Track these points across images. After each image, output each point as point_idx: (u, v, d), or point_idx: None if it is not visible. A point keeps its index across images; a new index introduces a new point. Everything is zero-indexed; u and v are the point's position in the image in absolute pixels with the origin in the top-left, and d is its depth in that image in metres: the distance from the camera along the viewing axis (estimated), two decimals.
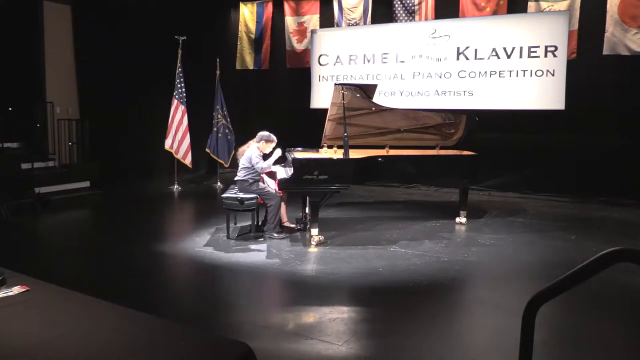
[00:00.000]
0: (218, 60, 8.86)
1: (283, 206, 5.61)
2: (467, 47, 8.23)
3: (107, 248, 5.13)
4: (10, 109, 7.78)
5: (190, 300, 3.89)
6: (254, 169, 5.34)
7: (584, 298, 3.52)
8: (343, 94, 5.37)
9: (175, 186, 8.56)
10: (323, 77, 9.40)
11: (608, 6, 7.26)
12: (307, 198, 5.60)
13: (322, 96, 9.11)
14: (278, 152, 5.60)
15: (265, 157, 5.49)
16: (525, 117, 7.76)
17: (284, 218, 5.71)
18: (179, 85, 8.47)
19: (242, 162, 5.45)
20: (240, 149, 5.73)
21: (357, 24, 9.16)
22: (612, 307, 3.64)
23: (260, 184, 5.40)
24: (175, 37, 8.48)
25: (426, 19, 8.55)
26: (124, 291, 3.85)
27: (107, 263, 4.66)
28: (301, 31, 9.68)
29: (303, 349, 2.96)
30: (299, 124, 9.07)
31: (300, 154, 5.87)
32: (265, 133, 5.50)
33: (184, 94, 8.51)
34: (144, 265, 4.57)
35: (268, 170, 5.46)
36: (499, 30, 8.01)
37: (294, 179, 5.10)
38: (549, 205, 7.36)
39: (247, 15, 10.20)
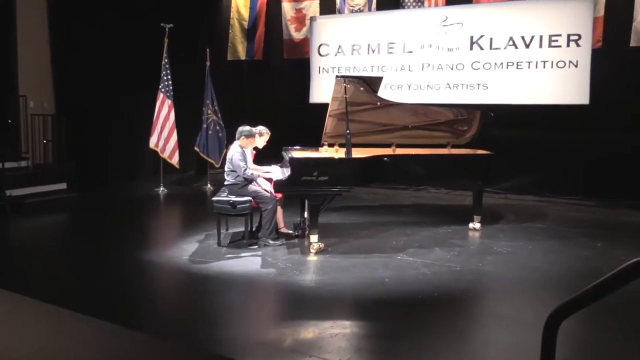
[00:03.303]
0: (208, 50, 8.86)
1: (279, 210, 5.60)
2: (482, 36, 8.23)
3: (86, 257, 5.12)
4: None
5: (177, 314, 3.88)
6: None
7: (610, 312, 3.52)
8: (345, 87, 5.37)
9: (161, 188, 8.56)
10: (323, 68, 9.40)
11: None
12: (306, 201, 5.60)
13: (322, 90, 9.11)
14: (274, 169, 5.60)
15: (257, 155, 5.49)
16: (546, 112, 7.76)
17: (281, 223, 5.70)
18: (165, 78, 8.47)
19: (227, 164, 5.45)
20: (229, 148, 5.74)
21: (360, 11, 9.17)
22: None
23: (253, 186, 5.39)
24: (161, 24, 8.48)
25: (436, 5, 8.56)
26: (104, 304, 3.83)
27: (86, 273, 4.65)
28: (299, 18, 9.68)
29: None
30: (296, 120, 9.06)
31: (298, 153, 5.87)
32: (245, 128, 5.49)
33: (171, 87, 8.50)
34: (126, 276, 4.57)
35: (256, 178, 5.40)
36: (517, 17, 8.02)
37: (292, 180, 5.09)
38: (572, 210, 7.36)
39: (239, 0, 10.21)
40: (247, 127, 5.53)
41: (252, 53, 10.16)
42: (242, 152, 5.37)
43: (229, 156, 5.43)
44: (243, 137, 5.45)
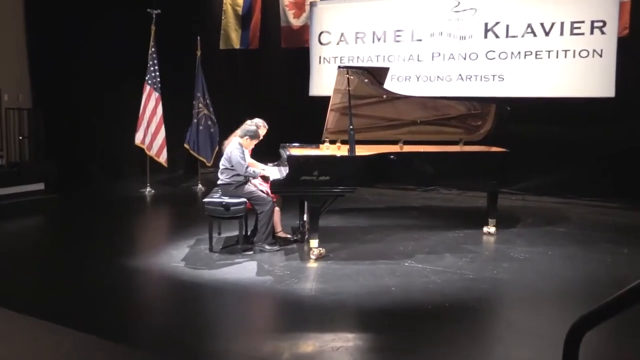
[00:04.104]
0: (199, 38, 8.86)
1: (277, 213, 5.61)
2: (497, 23, 8.23)
3: (66, 263, 5.13)
4: None
5: (165, 326, 3.88)
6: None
7: (637, 323, 3.51)
8: (348, 78, 5.38)
9: (148, 189, 8.57)
10: (324, 58, 9.40)
11: None
12: (306, 203, 5.60)
13: (323, 81, 9.12)
14: (270, 170, 5.61)
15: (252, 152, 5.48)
16: (567, 106, 7.75)
17: (278, 227, 5.71)
18: (152, 69, 8.48)
19: (222, 161, 5.46)
20: (226, 144, 5.74)
21: None
22: None
23: (248, 186, 5.40)
24: (148, 10, 8.49)
25: None
26: (86, 315, 3.84)
27: (66, 281, 4.65)
28: (298, 4, 9.68)
29: None
30: (295, 115, 9.07)
31: (297, 151, 5.87)
32: (251, 127, 5.49)
33: (158, 79, 8.51)
34: (110, 284, 4.57)
35: (257, 176, 5.46)
36: (536, 2, 8.02)
37: (290, 180, 5.10)
38: (596, 212, 7.36)
39: None
40: (254, 127, 5.51)
41: (247, 42, 10.16)
42: (242, 149, 5.37)
43: (226, 152, 5.41)
44: (248, 137, 5.43)
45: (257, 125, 5.62)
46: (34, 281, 4.81)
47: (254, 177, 5.44)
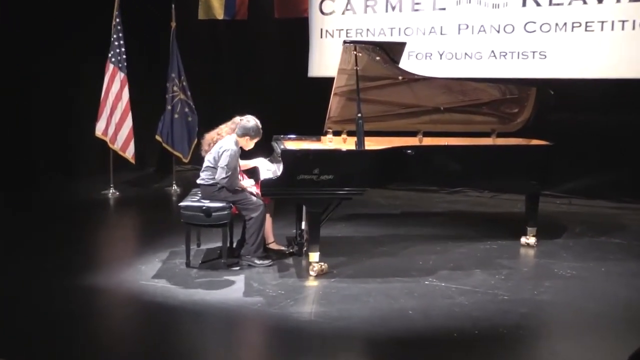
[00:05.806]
0: (173, 6, 8.86)
1: (268, 220, 5.62)
2: None
3: (10, 282, 5.11)
4: None
5: (135, 356, 3.89)
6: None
7: None
8: (356, 56, 5.39)
9: (111, 190, 8.58)
10: (327, 31, 9.40)
11: None
12: (304, 208, 5.62)
13: (325, 59, 9.13)
14: (261, 162, 5.60)
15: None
16: (625, 89, 7.74)
17: (270, 237, 5.73)
18: (116, 44, 8.47)
19: (209, 158, 5.45)
20: (207, 137, 5.70)
21: None
22: None
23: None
24: None
25: None
26: (38, 345, 3.85)
27: (12, 304, 4.64)
28: None
29: None
30: (291, 100, 9.07)
31: (293, 144, 5.89)
32: (250, 124, 5.40)
33: (124, 56, 8.50)
34: (66, 307, 4.57)
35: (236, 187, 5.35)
36: None
37: (285, 179, 5.10)
38: None
39: None
40: (254, 123, 5.40)
41: (233, 11, 10.15)
42: (238, 151, 5.31)
43: (218, 148, 5.32)
44: (248, 137, 5.38)
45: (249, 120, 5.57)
46: None
47: (233, 189, 5.30)
